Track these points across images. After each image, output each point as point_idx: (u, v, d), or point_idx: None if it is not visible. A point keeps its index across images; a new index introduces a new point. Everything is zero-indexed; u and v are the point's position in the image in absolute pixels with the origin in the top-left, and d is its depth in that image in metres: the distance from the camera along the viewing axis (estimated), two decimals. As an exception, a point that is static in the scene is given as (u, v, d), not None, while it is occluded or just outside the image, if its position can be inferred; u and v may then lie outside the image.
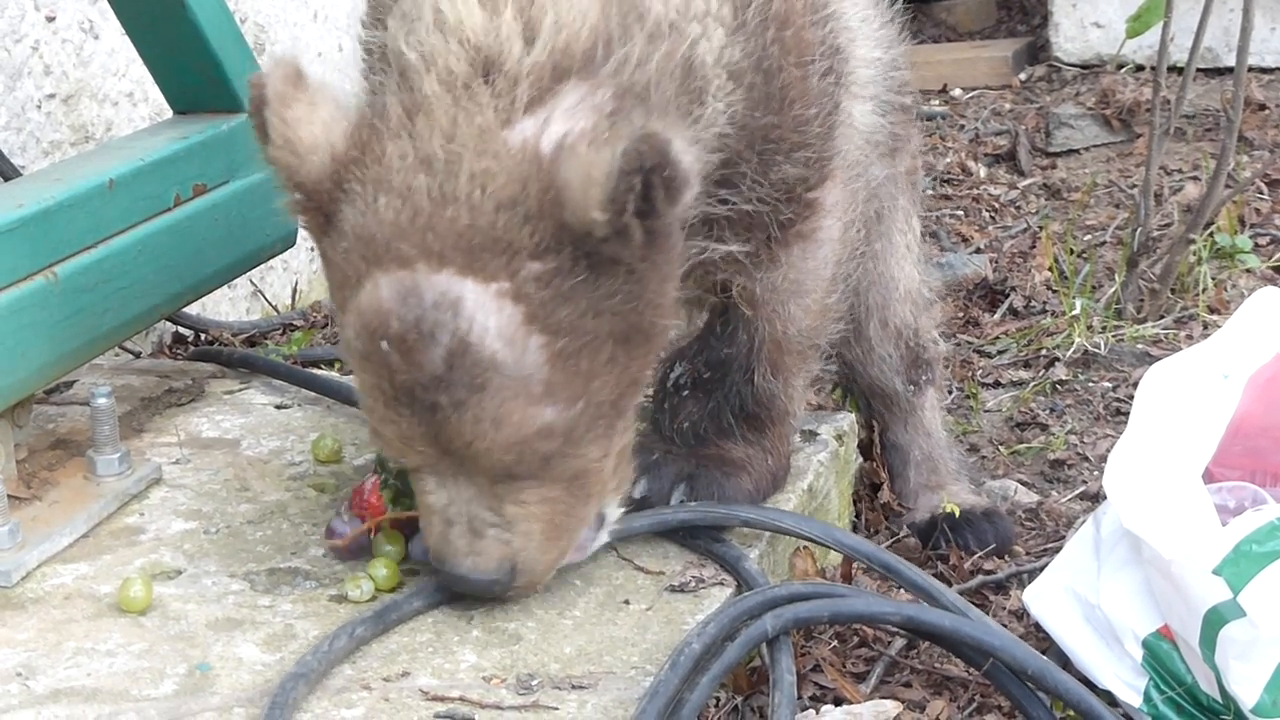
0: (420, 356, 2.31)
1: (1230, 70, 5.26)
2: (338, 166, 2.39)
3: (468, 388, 2.32)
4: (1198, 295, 4.39)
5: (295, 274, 4.69)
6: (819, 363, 3.02)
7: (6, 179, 3.61)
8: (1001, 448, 3.79)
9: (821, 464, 3.07)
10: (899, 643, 2.83)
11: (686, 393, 2.91)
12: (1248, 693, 2.45)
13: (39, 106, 3.86)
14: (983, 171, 5.71)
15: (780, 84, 2.65)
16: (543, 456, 2.41)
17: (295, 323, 4.48)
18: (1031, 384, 4.06)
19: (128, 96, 4.10)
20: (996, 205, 5.41)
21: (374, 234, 2.34)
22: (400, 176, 2.34)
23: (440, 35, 2.38)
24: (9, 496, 2.83)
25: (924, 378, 3.45)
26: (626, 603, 2.64)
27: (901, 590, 2.79)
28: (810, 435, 3.14)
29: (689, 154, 2.32)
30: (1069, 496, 3.53)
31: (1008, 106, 6.35)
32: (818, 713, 2.59)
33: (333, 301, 2.50)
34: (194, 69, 3.40)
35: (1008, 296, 4.56)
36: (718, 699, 2.61)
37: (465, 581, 2.51)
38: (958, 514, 3.27)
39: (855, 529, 3.32)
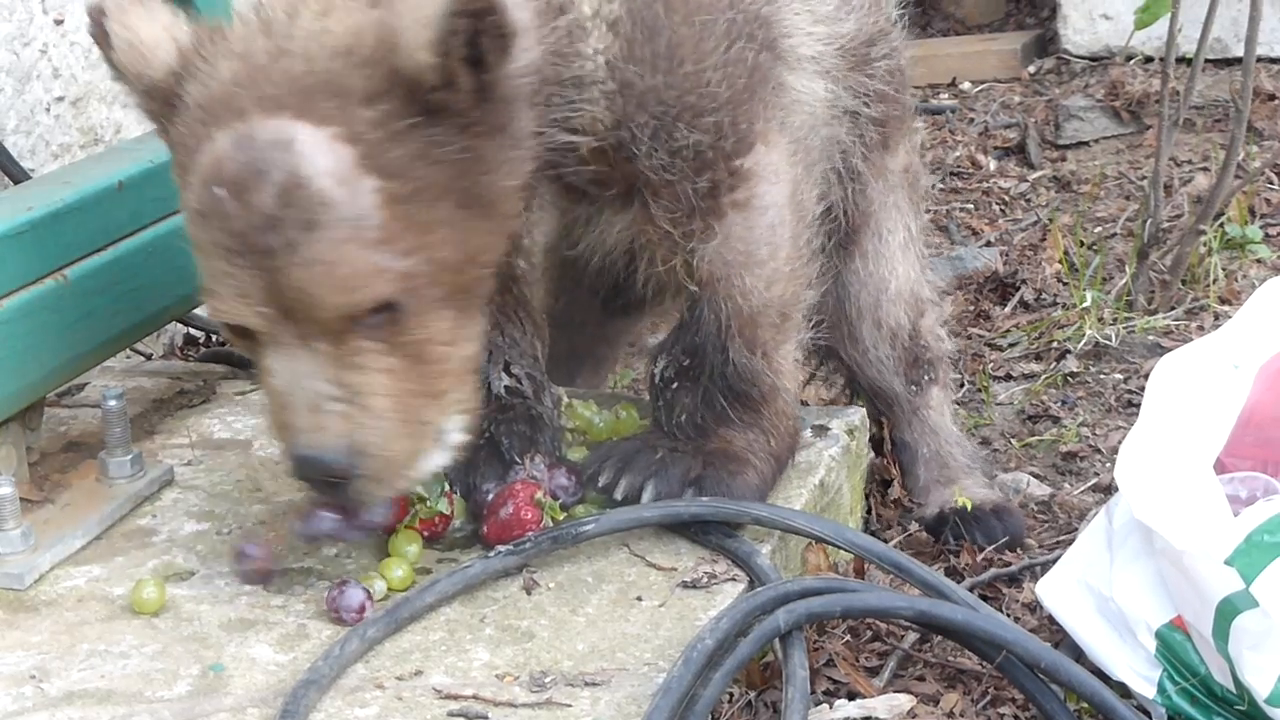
0: (253, 196, 2.34)
1: (1238, 60, 5.25)
2: (183, 57, 2.49)
3: (300, 226, 2.34)
4: (1208, 286, 4.38)
5: (306, 274, 4.68)
6: (802, 331, 2.99)
7: (16, 182, 3.62)
8: (1013, 440, 3.78)
9: (833, 459, 3.06)
10: (912, 637, 2.83)
11: (675, 385, 2.90)
12: (1261, 683, 2.45)
13: (48, 109, 3.87)
14: (992, 164, 5.70)
15: (666, 43, 2.67)
16: (380, 306, 2.40)
17: (306, 323, 4.47)
18: (1043, 376, 4.05)
19: (136, 99, 4.10)
20: (1006, 198, 5.40)
21: (213, 96, 2.42)
22: (241, 43, 2.44)
23: None
24: (21, 499, 2.83)
25: (925, 378, 3.43)
26: (639, 599, 2.64)
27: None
28: (822, 430, 3.14)
29: (521, 10, 2.38)
30: (1081, 489, 3.53)
31: (1017, 99, 6.34)
32: (831, 707, 2.60)
33: (177, 182, 2.53)
34: (202, 70, 3.40)
35: (1018, 289, 4.55)
36: (731, 694, 2.62)
37: (308, 463, 2.47)
38: (969, 509, 3.26)
39: (867, 523, 3.32)
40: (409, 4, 2.34)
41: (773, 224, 2.84)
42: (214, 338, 4.26)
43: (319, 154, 2.33)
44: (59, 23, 3.88)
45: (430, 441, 2.53)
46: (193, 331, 4.27)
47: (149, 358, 3.96)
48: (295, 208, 2.33)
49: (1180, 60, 4.37)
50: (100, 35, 2.54)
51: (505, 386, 2.92)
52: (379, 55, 2.35)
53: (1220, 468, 2.69)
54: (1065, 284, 4.54)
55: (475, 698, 2.40)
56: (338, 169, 2.34)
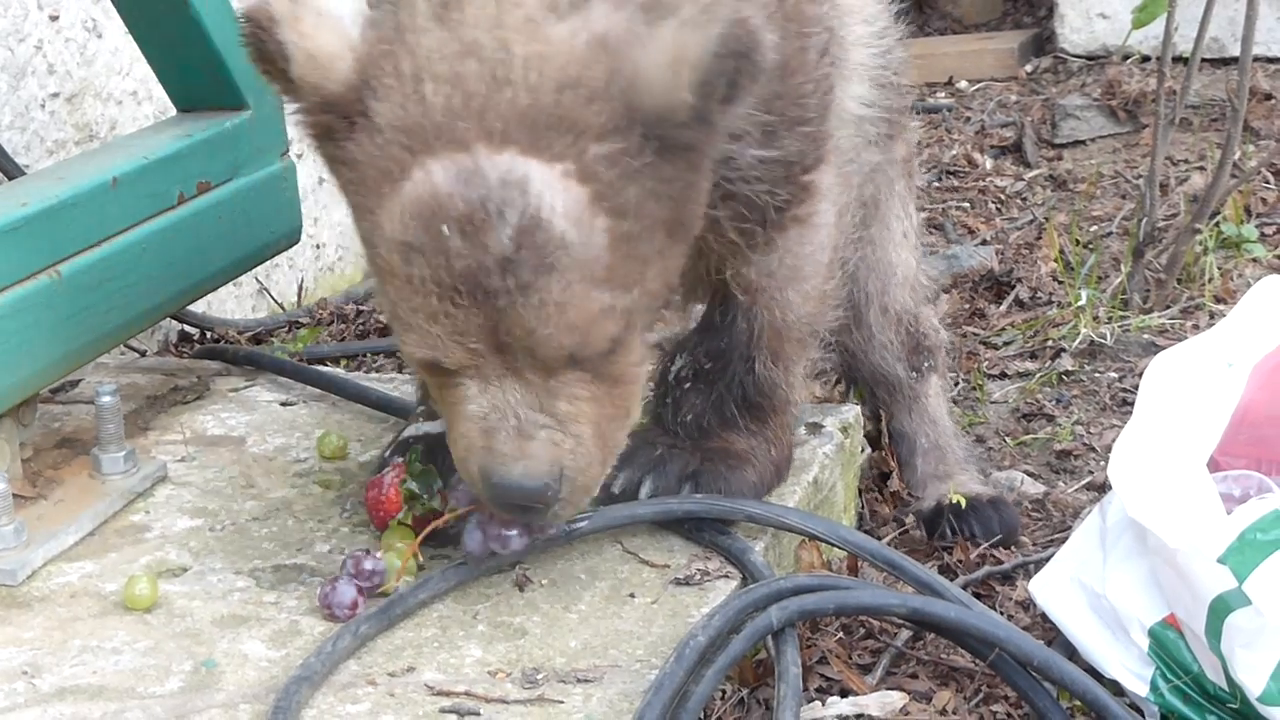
0: (487, 237, 2.23)
1: (1234, 60, 5.25)
2: (362, 68, 2.32)
3: (535, 269, 2.25)
4: (1204, 285, 4.38)
5: (301, 271, 4.69)
6: (818, 350, 3.00)
7: (10, 178, 3.62)
8: (1008, 438, 3.78)
9: (827, 456, 3.06)
10: (905, 634, 2.83)
11: (689, 385, 2.90)
12: (1254, 681, 2.44)
13: (43, 106, 3.87)
14: (989, 163, 5.71)
15: (785, 52, 2.63)
16: (605, 341, 2.35)
17: (301, 320, 4.49)
18: (1038, 375, 4.05)
19: (131, 95, 4.11)
20: (1002, 197, 5.40)
21: (420, 122, 2.27)
22: (445, 64, 2.27)
23: None
24: (14, 495, 2.83)
25: (926, 364, 3.45)
26: (632, 596, 2.64)
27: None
28: (815, 428, 3.14)
29: (771, 47, 2.30)
30: (1075, 487, 3.53)
31: (1013, 98, 6.35)
32: (824, 704, 2.59)
33: (356, 209, 2.40)
34: (197, 67, 3.40)
35: (1014, 288, 4.55)
36: (723, 691, 2.61)
37: (515, 490, 2.40)
38: (964, 504, 3.27)
39: (862, 520, 3.32)
40: (660, 42, 2.25)
41: (823, 243, 2.84)
42: (208, 334, 4.27)
43: (555, 193, 2.24)
44: (54, 19, 3.87)
45: (612, 462, 2.52)
46: (186, 328, 4.27)
47: (143, 354, 3.97)
48: (531, 250, 2.24)
49: (1177, 59, 4.37)
50: (268, 52, 2.34)
51: None
52: (615, 90, 2.26)
53: (1214, 466, 2.68)
54: (1060, 282, 4.54)
55: (467, 694, 2.40)
56: (572, 209, 2.25)
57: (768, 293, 2.85)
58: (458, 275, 2.26)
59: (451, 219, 2.24)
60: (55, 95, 3.89)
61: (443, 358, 2.36)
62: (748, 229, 2.75)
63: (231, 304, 4.43)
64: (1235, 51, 5.69)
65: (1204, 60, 4.42)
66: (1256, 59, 4.78)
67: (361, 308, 4.61)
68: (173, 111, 3.58)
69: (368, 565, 2.61)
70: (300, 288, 4.71)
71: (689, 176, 2.37)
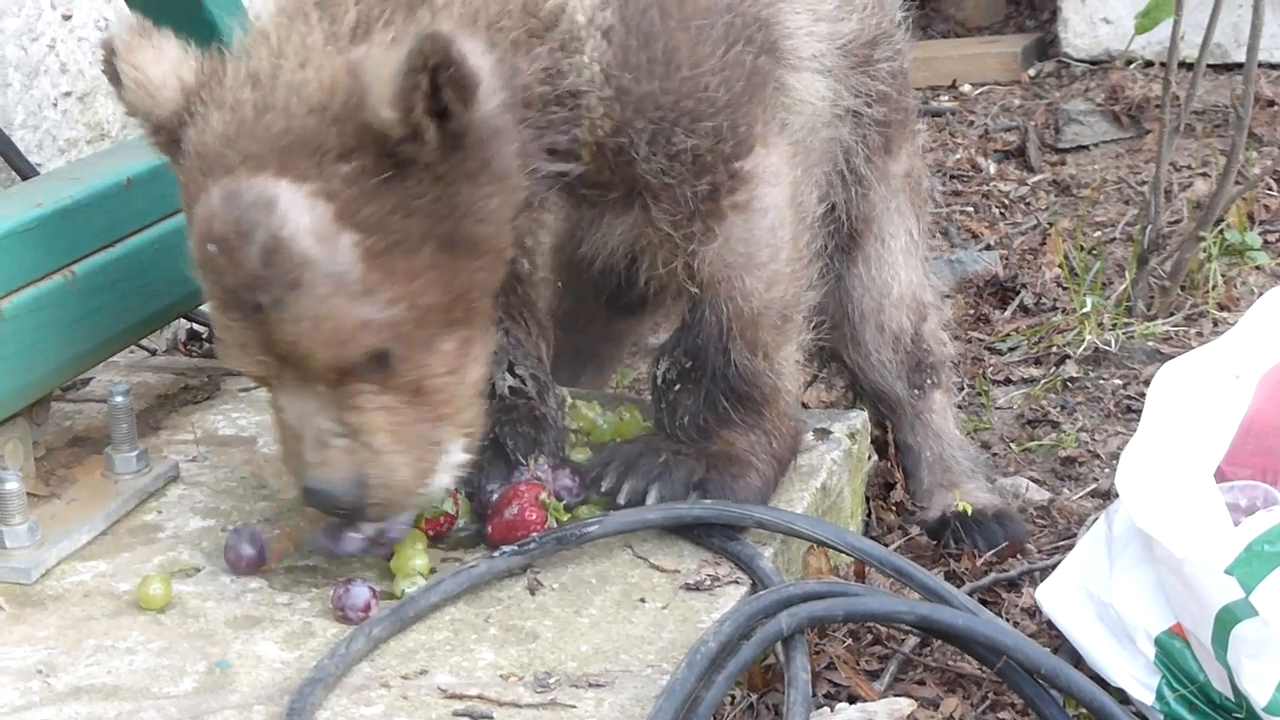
0: (239, 256, 2.40)
1: (1239, 66, 5.26)
2: (187, 96, 2.52)
3: (284, 285, 2.39)
4: (1208, 292, 4.40)
5: (308, 270, 4.70)
6: (802, 332, 3.00)
7: (24, 177, 3.63)
8: (1013, 445, 3.80)
9: (835, 462, 3.08)
10: (912, 641, 2.85)
11: (678, 387, 2.91)
12: (1260, 691, 2.46)
13: (55, 104, 3.88)
14: (992, 168, 5.72)
15: (662, 49, 2.67)
16: (370, 356, 2.46)
17: (309, 319, 4.49)
18: (1042, 381, 4.07)
19: (143, 94, 4.11)
20: (1006, 202, 5.41)
21: (208, 147, 2.46)
22: (231, 93, 2.47)
23: None
24: (28, 494, 2.84)
25: (928, 381, 3.44)
26: (642, 601, 2.66)
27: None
28: (824, 433, 3.15)
29: (480, 57, 2.41)
30: (1080, 494, 3.55)
31: (1017, 102, 6.35)
32: (832, 710, 2.61)
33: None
34: (210, 68, 3.41)
35: (1018, 294, 4.57)
36: (733, 697, 2.63)
37: (318, 495, 2.56)
38: (969, 511, 3.28)
39: (868, 525, 3.33)
40: (373, 61, 2.38)
41: (773, 226, 2.85)
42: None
43: (299, 213, 2.38)
44: (67, 18, 3.89)
45: (435, 465, 2.60)
46: (196, 327, 4.28)
47: (153, 353, 3.98)
48: (278, 267, 2.39)
49: (1180, 65, 4.38)
50: (110, 73, 2.58)
51: (510, 387, 2.94)
52: (349, 111, 2.39)
53: (1220, 476, 2.70)
54: (1065, 288, 4.55)
55: (480, 698, 2.42)
56: (317, 227, 2.39)
57: (727, 282, 2.85)
58: (226, 291, 2.45)
59: (216, 239, 2.43)
60: (68, 94, 3.91)
61: (240, 368, 2.55)
62: (679, 220, 2.79)
63: (239, 302, 4.43)
64: (1238, 57, 5.71)
65: (1207, 66, 4.43)
66: (1260, 65, 4.79)
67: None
68: (184, 111, 3.59)
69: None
70: (307, 286, 4.71)
71: (441, 191, 2.46)
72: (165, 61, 2.56)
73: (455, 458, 2.62)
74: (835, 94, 3.04)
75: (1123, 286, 4.44)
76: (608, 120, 2.67)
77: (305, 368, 2.47)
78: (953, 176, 5.65)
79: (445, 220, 2.47)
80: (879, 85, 3.16)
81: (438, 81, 2.34)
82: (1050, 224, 5.06)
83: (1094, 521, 2.93)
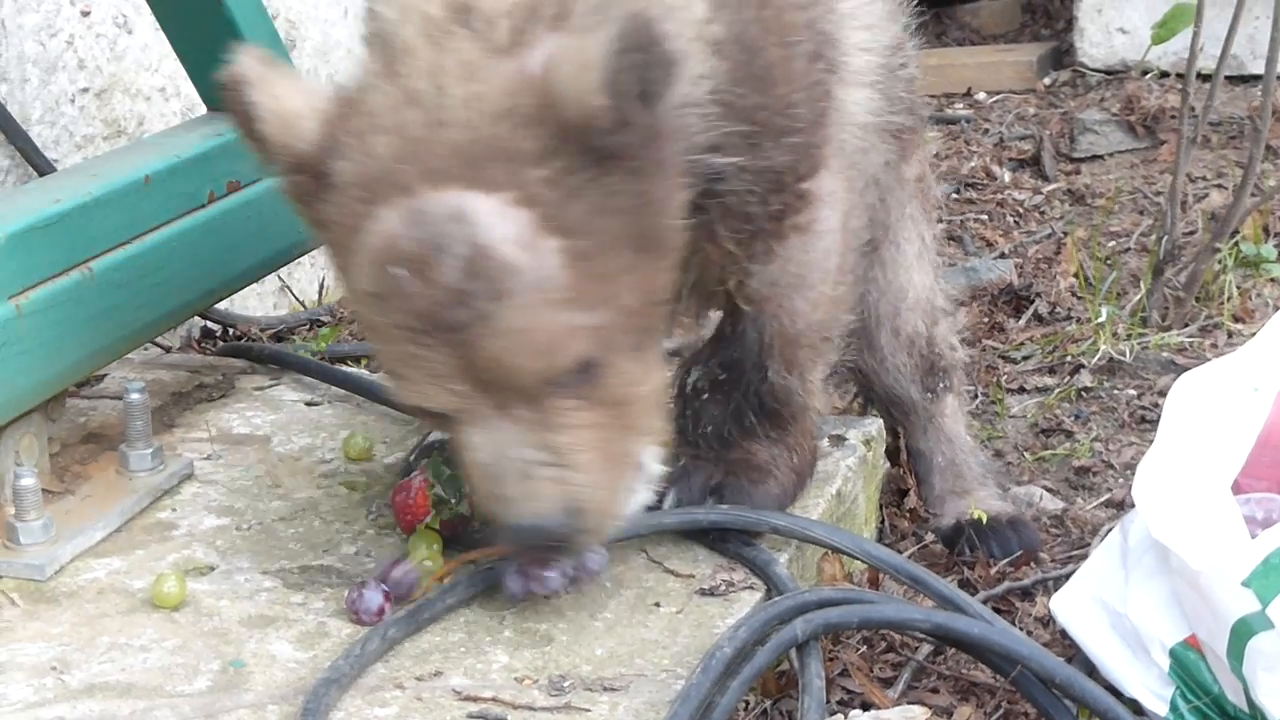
0: (436, 273, 2.27)
1: (1256, 78, 5.27)
2: (327, 128, 2.39)
3: (490, 296, 2.27)
4: (1223, 304, 4.40)
5: (322, 270, 4.71)
6: (835, 354, 3.00)
7: (41, 173, 3.64)
8: (1026, 454, 3.80)
9: (850, 469, 3.08)
10: (926, 648, 2.84)
11: (706, 396, 2.91)
12: (1275, 704, 2.46)
13: (73, 101, 3.88)
14: (1007, 176, 5.71)
15: (764, 63, 2.65)
16: (572, 361, 2.35)
17: (322, 318, 4.50)
18: (1056, 390, 4.07)
19: (160, 91, 4.12)
20: (1020, 210, 5.41)
21: (370, 173, 2.33)
22: (390, 116, 2.34)
23: None
24: (42, 490, 2.84)
25: (941, 385, 3.45)
26: (657, 605, 2.66)
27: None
28: (839, 440, 3.15)
29: (680, 38, 2.33)
30: (1094, 504, 3.54)
31: (1032, 111, 6.35)
32: (846, 717, 2.61)
33: (335, 269, 2.48)
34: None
35: (1033, 302, 4.56)
36: (747, 703, 2.63)
37: (529, 532, 2.41)
38: (984, 520, 3.28)
39: (881, 533, 3.33)
40: (566, 53, 2.29)
41: (828, 249, 2.85)
42: (230, 331, 4.28)
43: (497, 221, 2.26)
44: (85, 14, 3.89)
45: (633, 480, 2.51)
46: (209, 324, 4.28)
47: (167, 350, 3.99)
48: (482, 279, 2.26)
49: (1197, 76, 4.38)
50: (241, 111, 2.41)
51: None
52: (542, 112, 2.28)
53: (1237, 489, 2.69)
54: (1080, 298, 4.55)
55: (495, 700, 2.41)
56: (518, 234, 2.27)
57: (774, 301, 2.85)
58: (420, 316, 2.30)
59: (403, 260, 2.28)
60: (85, 90, 3.91)
61: (430, 403, 2.39)
62: (744, 239, 2.77)
63: (254, 301, 4.44)
64: (1254, 69, 5.72)
65: (1224, 77, 4.43)
66: (1278, 77, 4.78)
67: (382, 307, 4.61)
68: (199, 108, 3.61)
69: (396, 573, 2.64)
70: (321, 286, 4.72)
71: (639, 186, 2.37)
72: (300, 92, 2.43)
73: (652, 469, 2.54)
74: (878, 109, 3.04)
75: (1138, 297, 4.43)
76: (710, 132, 2.60)
77: (509, 386, 2.34)
78: (967, 184, 5.64)
79: (641, 217, 2.38)
80: (899, 93, 3.16)
81: (645, 61, 2.24)
82: (1065, 233, 5.06)
83: (1108, 531, 2.93)
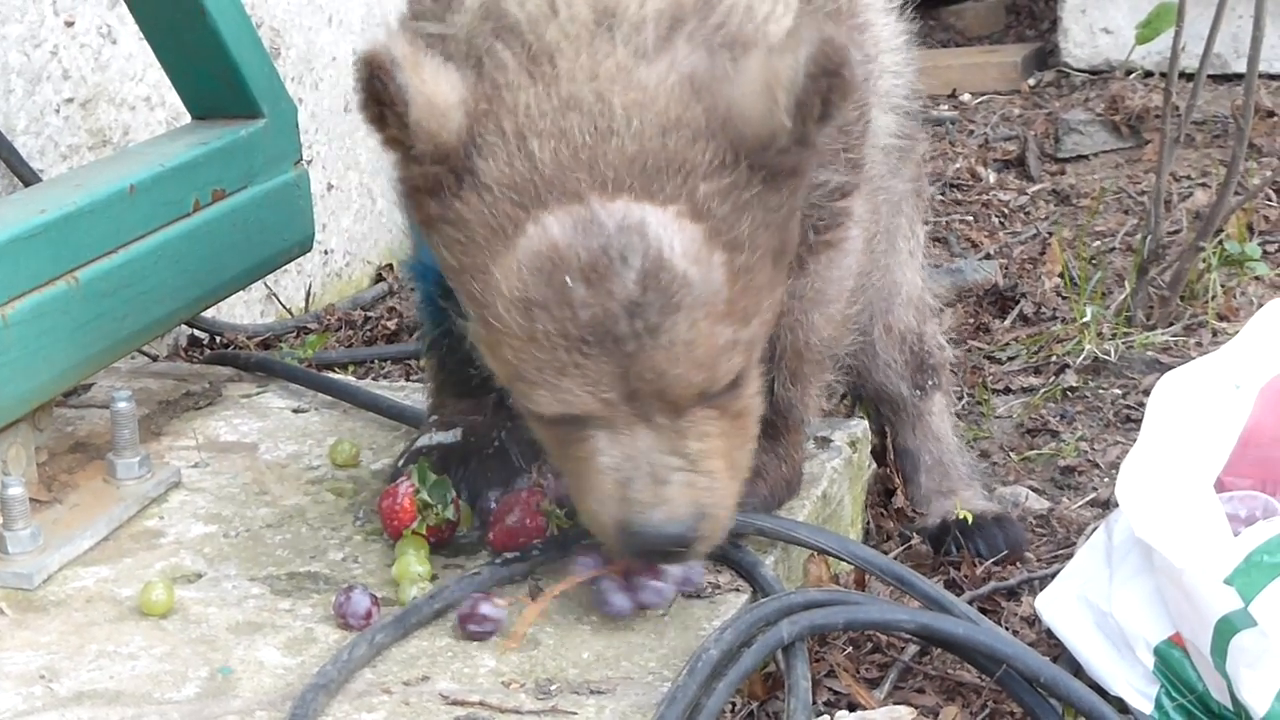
0: (612, 284, 2.26)
1: (1239, 77, 5.28)
2: (470, 122, 2.34)
3: (662, 310, 2.27)
4: (1207, 303, 4.41)
5: (309, 277, 4.71)
6: (834, 373, 3.03)
7: (26, 183, 3.64)
8: (1012, 454, 3.81)
9: (835, 470, 3.09)
10: (912, 649, 2.85)
11: None
12: (1259, 701, 2.47)
13: (57, 111, 3.89)
14: (992, 177, 5.73)
15: None
16: (731, 375, 2.36)
17: (309, 326, 4.50)
18: (1042, 390, 4.08)
19: (145, 101, 4.13)
20: (1006, 211, 5.43)
21: (530, 178, 2.29)
22: (547, 120, 2.30)
23: None
24: (30, 499, 2.85)
25: (930, 382, 3.47)
26: (644, 608, 2.66)
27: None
28: (824, 442, 3.16)
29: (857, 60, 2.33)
30: (1080, 503, 3.55)
31: (1017, 112, 6.37)
32: (832, 718, 2.62)
33: (462, 269, 2.40)
34: (213, 74, 3.43)
35: (1018, 303, 4.57)
36: (733, 704, 2.64)
37: (657, 537, 2.40)
38: (970, 520, 3.29)
39: (868, 534, 3.34)
40: (748, 72, 2.29)
41: (850, 268, 2.86)
42: (217, 339, 4.29)
43: (672, 234, 2.26)
44: (69, 25, 3.89)
45: (741, 489, 2.52)
46: (196, 332, 4.29)
47: (155, 359, 3.99)
48: (657, 291, 2.26)
49: (1181, 76, 4.39)
50: (387, 90, 2.29)
51: None
52: (716, 127, 2.29)
53: (1220, 486, 2.71)
54: (1065, 298, 4.56)
55: (482, 704, 2.42)
56: (690, 247, 2.27)
57: (793, 314, 2.85)
58: (584, 325, 2.28)
59: (574, 269, 2.26)
60: (70, 100, 3.91)
61: (575, 411, 2.37)
62: None
63: (240, 309, 4.45)
64: (1237, 68, 5.74)
65: (1207, 76, 4.44)
66: (1260, 76, 4.79)
67: (369, 314, 4.63)
68: (186, 117, 3.61)
69: (484, 610, 2.60)
70: (308, 293, 4.73)
71: (792, 202, 2.39)
72: (448, 79, 2.35)
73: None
74: (899, 132, 3.06)
75: (1122, 296, 4.45)
76: None
77: (664, 398, 2.34)
78: (952, 185, 5.66)
79: (785, 231, 2.40)
80: (909, 104, 3.18)
81: (833, 85, 2.25)
82: (1050, 233, 5.07)
83: (1093, 531, 2.94)
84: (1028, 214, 5.41)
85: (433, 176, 2.36)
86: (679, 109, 2.29)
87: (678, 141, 2.28)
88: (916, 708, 2.69)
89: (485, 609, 2.59)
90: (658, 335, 2.28)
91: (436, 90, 2.32)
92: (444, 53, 2.42)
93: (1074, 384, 4.09)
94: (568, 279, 2.27)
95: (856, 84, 2.31)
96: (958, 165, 5.81)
